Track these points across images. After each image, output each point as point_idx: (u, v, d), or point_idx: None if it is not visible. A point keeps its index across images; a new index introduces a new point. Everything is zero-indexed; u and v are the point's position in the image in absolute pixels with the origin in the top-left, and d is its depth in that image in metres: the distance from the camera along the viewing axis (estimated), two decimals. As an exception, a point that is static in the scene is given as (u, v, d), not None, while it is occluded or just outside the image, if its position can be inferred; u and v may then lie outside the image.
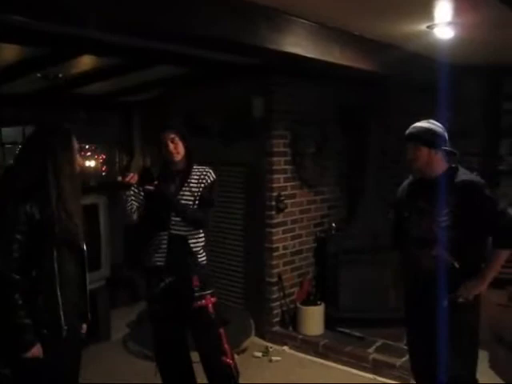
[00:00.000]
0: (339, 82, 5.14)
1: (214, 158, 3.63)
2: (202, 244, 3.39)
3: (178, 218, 3.26)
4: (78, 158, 2.51)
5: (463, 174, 2.93)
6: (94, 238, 5.04)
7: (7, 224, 2.27)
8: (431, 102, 4.20)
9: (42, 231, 2.30)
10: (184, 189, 3.30)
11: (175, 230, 3.27)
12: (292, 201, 5.15)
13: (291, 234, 5.19)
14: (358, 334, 4.82)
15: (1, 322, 2.31)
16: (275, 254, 5.05)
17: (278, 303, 5.13)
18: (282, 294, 5.11)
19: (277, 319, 5.15)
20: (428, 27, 3.50)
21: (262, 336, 5.11)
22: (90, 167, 6.21)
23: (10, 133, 5.81)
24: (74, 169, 2.42)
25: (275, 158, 4.95)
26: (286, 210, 5.08)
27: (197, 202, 3.30)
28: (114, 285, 5.47)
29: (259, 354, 4.76)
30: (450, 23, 3.40)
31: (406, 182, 3.19)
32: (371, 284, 5.02)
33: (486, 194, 2.87)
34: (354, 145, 5.66)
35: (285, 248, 5.13)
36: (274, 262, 5.05)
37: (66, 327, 2.37)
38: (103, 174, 6.40)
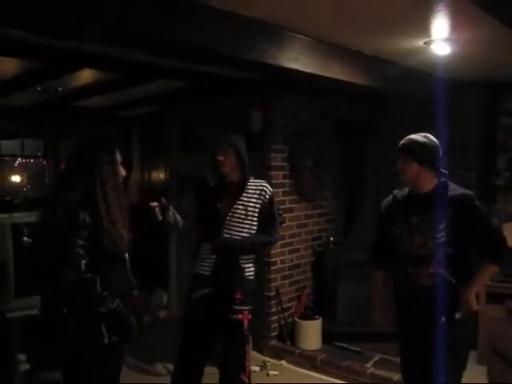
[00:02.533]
0: (337, 97, 5.18)
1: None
2: (252, 258, 3.36)
3: (230, 232, 3.26)
4: (121, 170, 2.59)
5: (455, 189, 2.88)
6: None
7: (71, 231, 2.32)
8: (429, 116, 4.22)
9: (94, 239, 2.37)
10: (238, 202, 3.28)
11: None
12: (290, 215, 5.16)
13: (289, 247, 5.19)
14: (355, 348, 4.81)
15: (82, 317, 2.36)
16: (273, 267, 5.04)
17: (275, 317, 5.12)
18: (279, 308, 5.10)
19: (275, 333, 5.14)
20: (425, 43, 3.55)
21: (259, 350, 5.09)
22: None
23: (9, 145, 5.83)
24: (118, 181, 2.52)
25: (273, 172, 4.96)
26: (284, 224, 5.08)
27: (251, 220, 3.28)
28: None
29: (257, 369, 4.73)
30: (446, 39, 3.45)
31: (390, 197, 3.11)
32: (369, 298, 5.00)
33: (480, 209, 2.84)
34: (352, 159, 5.68)
35: (283, 262, 5.13)
36: (272, 276, 5.05)
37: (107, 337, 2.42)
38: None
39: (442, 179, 2.90)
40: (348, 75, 3.92)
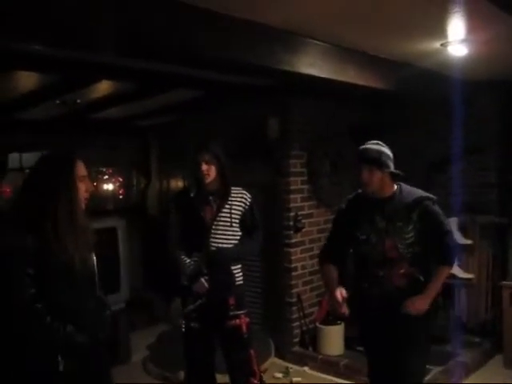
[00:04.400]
0: (353, 100, 5.17)
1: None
2: (240, 264, 3.42)
3: (216, 240, 3.28)
4: (85, 184, 2.44)
5: (415, 191, 2.99)
6: (113, 260, 5.09)
7: (17, 258, 2.23)
8: (446, 118, 4.22)
9: (42, 263, 2.25)
10: (223, 211, 3.31)
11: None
12: (309, 220, 5.16)
13: (309, 253, 5.18)
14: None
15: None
16: (294, 273, 5.04)
17: (297, 323, 5.11)
18: (301, 313, 5.10)
19: (297, 339, 5.13)
20: (442, 45, 3.54)
21: (282, 356, 5.08)
22: (107, 191, 6.27)
23: (31, 158, 5.88)
24: (72, 198, 2.35)
25: (292, 178, 4.97)
26: (304, 230, 5.09)
27: (235, 227, 3.32)
28: (133, 307, 5.49)
29: (280, 375, 4.73)
30: (463, 40, 3.44)
31: (346, 204, 3.16)
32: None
33: (439, 211, 2.97)
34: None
35: (303, 268, 5.13)
36: (293, 282, 5.05)
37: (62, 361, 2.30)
38: (120, 197, 6.46)
39: (399, 182, 3.01)
40: (364, 79, 3.93)
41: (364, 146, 3.01)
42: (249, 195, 3.42)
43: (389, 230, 2.91)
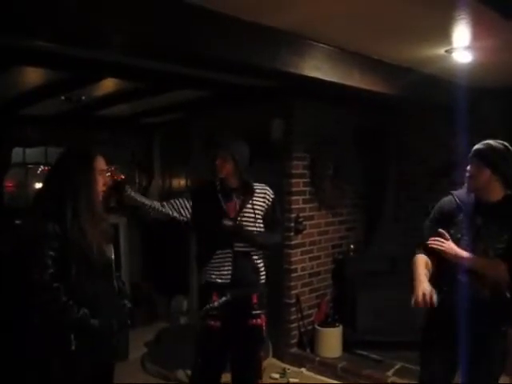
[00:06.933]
0: (358, 104, 5.18)
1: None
2: (263, 261, 3.37)
3: None
4: (103, 178, 2.66)
5: None
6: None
7: (40, 241, 2.40)
8: (450, 124, 4.22)
9: (63, 249, 2.42)
10: (247, 206, 3.28)
11: (239, 246, 3.25)
12: (310, 222, 5.17)
13: (309, 255, 5.20)
14: (376, 356, 4.79)
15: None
16: (293, 275, 5.05)
17: (295, 324, 5.13)
18: (299, 315, 5.11)
19: (295, 341, 5.14)
20: (446, 51, 3.55)
21: (279, 357, 5.10)
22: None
23: (34, 153, 5.92)
24: (92, 190, 2.55)
25: (294, 180, 4.98)
26: (305, 232, 5.10)
27: (259, 223, 3.29)
28: (132, 304, 5.50)
29: (277, 376, 4.75)
30: (468, 47, 3.44)
31: (451, 198, 2.93)
32: (389, 307, 4.99)
33: None
34: (373, 167, 5.67)
35: (303, 269, 5.14)
36: (292, 283, 5.06)
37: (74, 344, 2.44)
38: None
39: (511, 191, 2.80)
40: (370, 83, 3.93)
41: (486, 141, 2.82)
42: (271, 191, 3.39)
43: (483, 234, 2.74)
